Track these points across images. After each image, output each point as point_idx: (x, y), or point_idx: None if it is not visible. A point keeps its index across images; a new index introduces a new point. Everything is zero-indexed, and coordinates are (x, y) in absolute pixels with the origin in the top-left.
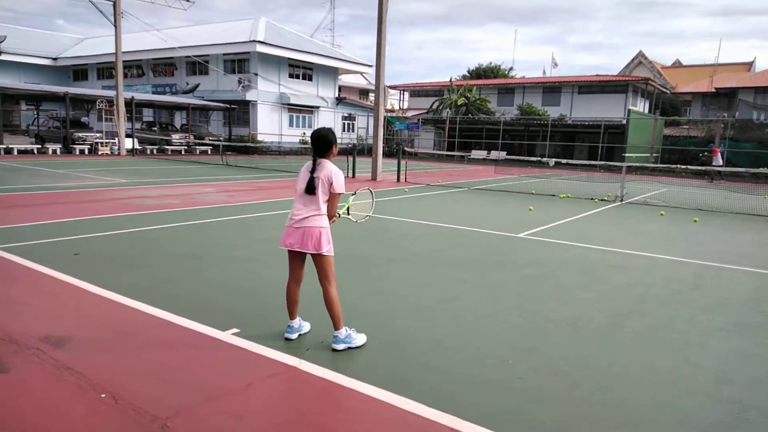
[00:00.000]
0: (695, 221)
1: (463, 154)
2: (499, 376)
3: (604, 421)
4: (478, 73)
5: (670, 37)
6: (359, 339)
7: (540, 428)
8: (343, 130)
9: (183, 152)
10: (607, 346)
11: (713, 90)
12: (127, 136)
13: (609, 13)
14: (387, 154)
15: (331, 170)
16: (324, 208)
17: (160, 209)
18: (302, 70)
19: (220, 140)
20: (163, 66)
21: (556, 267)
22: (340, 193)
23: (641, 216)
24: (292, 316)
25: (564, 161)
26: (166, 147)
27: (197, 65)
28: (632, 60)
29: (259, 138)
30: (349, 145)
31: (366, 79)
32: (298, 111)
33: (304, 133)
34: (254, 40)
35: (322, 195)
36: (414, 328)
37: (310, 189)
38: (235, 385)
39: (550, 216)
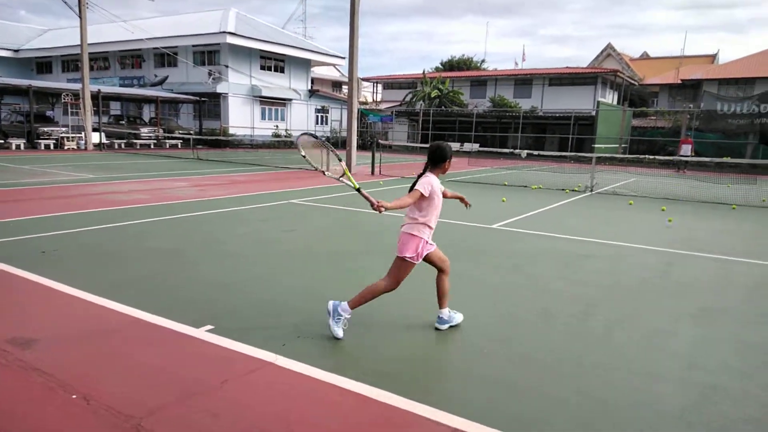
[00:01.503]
0: (663, 210)
1: None
2: (475, 366)
3: (578, 408)
4: (451, 65)
5: (638, 30)
6: (338, 332)
7: (516, 418)
8: (317, 123)
9: (152, 146)
10: (580, 334)
11: (679, 81)
12: (94, 130)
13: (580, 5)
14: (361, 147)
15: (423, 179)
16: (419, 215)
17: (130, 204)
18: (274, 62)
19: (190, 134)
20: (130, 58)
21: (529, 257)
22: (418, 191)
23: (611, 205)
24: (440, 306)
25: (536, 153)
26: (135, 141)
27: (166, 57)
28: (601, 52)
29: (231, 131)
30: (322, 138)
31: (339, 71)
32: (271, 103)
33: (277, 126)
34: (224, 32)
35: (418, 204)
36: (390, 320)
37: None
38: (210, 382)
39: (523, 207)
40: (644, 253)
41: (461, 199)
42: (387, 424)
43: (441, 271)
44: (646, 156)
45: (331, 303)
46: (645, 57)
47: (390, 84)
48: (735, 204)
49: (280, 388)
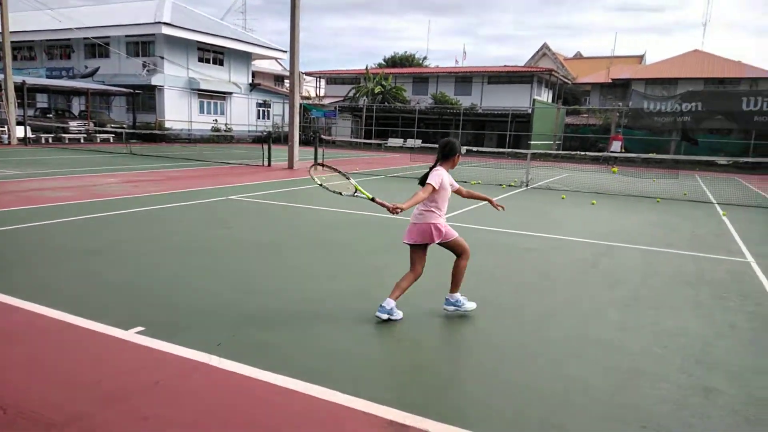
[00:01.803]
0: (593, 204)
1: (380, 142)
2: (414, 359)
3: (512, 396)
4: (393, 62)
5: (572, 30)
6: (399, 314)
7: (450, 406)
8: (258, 117)
9: (82, 141)
10: (517, 324)
11: (610, 81)
12: (19, 123)
13: (518, 5)
14: (304, 142)
15: (434, 172)
16: (432, 206)
17: (58, 202)
18: (213, 54)
19: (123, 127)
20: (58, 48)
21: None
22: (430, 185)
23: (545, 200)
24: (451, 290)
25: (474, 149)
26: (63, 135)
27: (97, 47)
28: (537, 52)
29: (167, 125)
30: (264, 133)
31: (281, 65)
32: (209, 97)
33: (216, 120)
34: (159, 22)
35: (431, 195)
36: (330, 316)
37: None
38: (140, 385)
39: (462, 202)
40: (575, 245)
41: (490, 202)
42: (323, 420)
43: (459, 257)
44: (578, 152)
45: (451, 305)
46: (578, 57)
47: (333, 79)
48: (659, 197)
49: (215, 388)
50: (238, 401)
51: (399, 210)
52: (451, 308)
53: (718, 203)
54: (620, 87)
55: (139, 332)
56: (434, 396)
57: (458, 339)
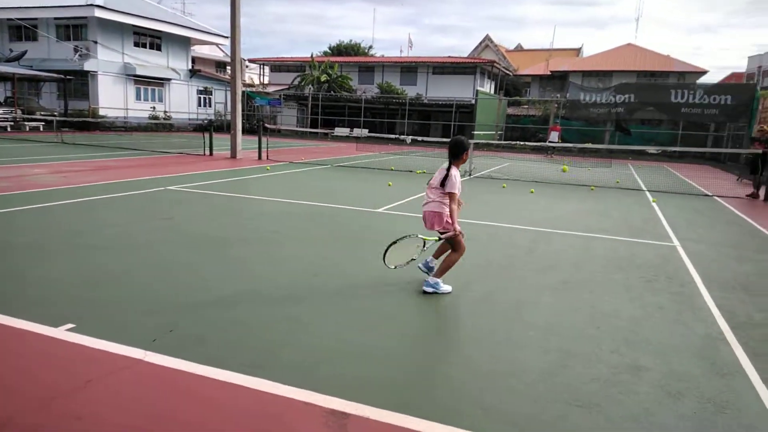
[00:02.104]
0: (532, 192)
1: (326, 131)
2: (357, 346)
3: (450, 379)
4: (339, 50)
5: (514, 22)
6: (446, 288)
7: (398, 392)
8: (199, 105)
9: (9, 129)
10: (454, 309)
11: (549, 73)
12: None
13: None
14: (248, 131)
15: (452, 179)
16: (445, 199)
17: None
18: (150, 39)
19: (54, 115)
20: None
21: None
22: (451, 192)
23: (486, 188)
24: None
25: (420, 139)
26: None
27: (23, 30)
28: (480, 43)
29: (102, 112)
30: (205, 121)
31: (223, 51)
32: (146, 83)
33: (154, 108)
34: (92, 4)
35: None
36: (271, 308)
37: (439, 184)
38: (72, 385)
39: (408, 191)
40: (514, 232)
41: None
42: (262, 412)
43: (452, 247)
44: (519, 142)
45: (431, 286)
46: (519, 49)
47: (278, 67)
48: (594, 186)
49: (150, 385)
50: (174, 397)
51: (458, 229)
52: (430, 289)
53: (648, 191)
54: (559, 79)
55: (69, 329)
56: (374, 384)
57: (397, 327)
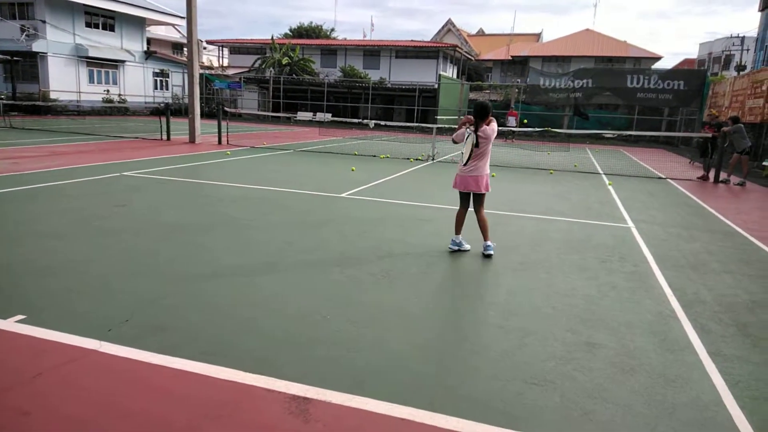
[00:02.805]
0: (493, 176)
1: (288, 115)
2: (318, 332)
3: (408, 358)
4: (300, 33)
5: (475, 7)
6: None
7: (359, 374)
8: (155, 88)
9: None
10: (417, 291)
11: (510, 58)
12: None
13: None
14: (207, 115)
15: (486, 128)
16: (486, 161)
17: None
18: (102, 19)
19: (1, 98)
20: None
21: (375, 223)
22: (489, 137)
23: (449, 173)
24: (457, 232)
25: (383, 123)
26: None
27: None
28: (442, 28)
29: (53, 96)
30: (162, 105)
31: (180, 32)
32: (100, 65)
33: (108, 91)
34: None
35: (485, 150)
36: (233, 294)
37: (476, 144)
38: (20, 378)
39: (371, 176)
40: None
41: None
42: (223, 400)
43: (479, 206)
44: None
45: (488, 250)
46: (481, 33)
47: (237, 49)
48: (552, 169)
49: (104, 376)
50: (129, 388)
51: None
52: (491, 251)
53: (604, 174)
54: (519, 64)
55: (19, 321)
56: (336, 367)
57: (354, 309)
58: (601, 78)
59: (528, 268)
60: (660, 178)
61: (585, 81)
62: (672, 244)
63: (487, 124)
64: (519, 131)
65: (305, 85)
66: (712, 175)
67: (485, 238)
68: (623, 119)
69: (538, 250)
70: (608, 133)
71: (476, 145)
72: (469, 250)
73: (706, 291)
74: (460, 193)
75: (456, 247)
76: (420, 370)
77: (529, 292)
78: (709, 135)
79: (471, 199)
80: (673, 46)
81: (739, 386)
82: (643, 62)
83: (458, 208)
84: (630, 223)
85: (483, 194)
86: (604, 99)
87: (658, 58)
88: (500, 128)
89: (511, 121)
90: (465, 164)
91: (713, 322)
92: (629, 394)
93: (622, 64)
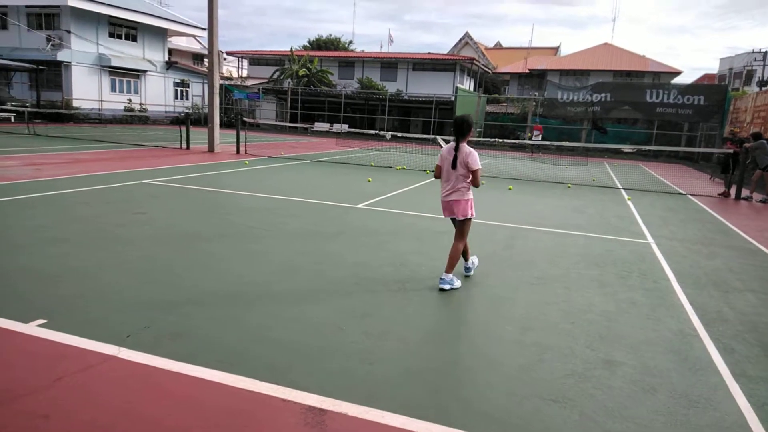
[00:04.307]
0: (510, 189)
1: (305, 126)
2: (334, 343)
3: (427, 371)
4: (318, 45)
5: (493, 20)
6: (457, 282)
7: (375, 387)
8: (176, 98)
9: None
10: (432, 303)
11: (527, 71)
12: None
13: None
14: (226, 125)
15: (466, 152)
16: (468, 183)
17: None
18: (125, 30)
19: (25, 106)
20: None
21: (391, 235)
22: (478, 169)
23: None
24: (464, 258)
25: (400, 135)
26: None
27: None
28: (460, 40)
29: (75, 104)
30: (182, 114)
31: (200, 43)
32: (122, 75)
33: (130, 100)
34: None
35: (462, 172)
36: (249, 302)
37: (454, 166)
38: (40, 382)
39: (387, 187)
40: (492, 228)
41: None
42: (239, 409)
43: (460, 234)
44: (497, 139)
45: (443, 284)
46: (498, 47)
47: (256, 60)
48: (570, 183)
49: (123, 382)
50: (148, 394)
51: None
52: (447, 286)
53: (623, 188)
54: (536, 77)
55: (40, 325)
56: (352, 379)
57: (370, 321)
58: (620, 92)
59: (545, 282)
60: (680, 193)
61: (603, 95)
62: (693, 261)
63: (467, 141)
64: (537, 144)
65: (323, 96)
66: (733, 191)
67: (446, 270)
68: (642, 134)
69: (555, 265)
70: (627, 148)
71: (453, 165)
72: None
73: (729, 309)
74: (452, 219)
75: (470, 273)
76: (436, 384)
77: (547, 307)
78: (731, 151)
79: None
80: (692, 60)
81: (765, 409)
82: (662, 77)
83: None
84: (650, 239)
85: (464, 221)
86: (622, 113)
87: (677, 73)
88: (520, 141)
89: (537, 135)
90: (443, 187)
91: (737, 341)
92: (650, 414)
93: (641, 78)
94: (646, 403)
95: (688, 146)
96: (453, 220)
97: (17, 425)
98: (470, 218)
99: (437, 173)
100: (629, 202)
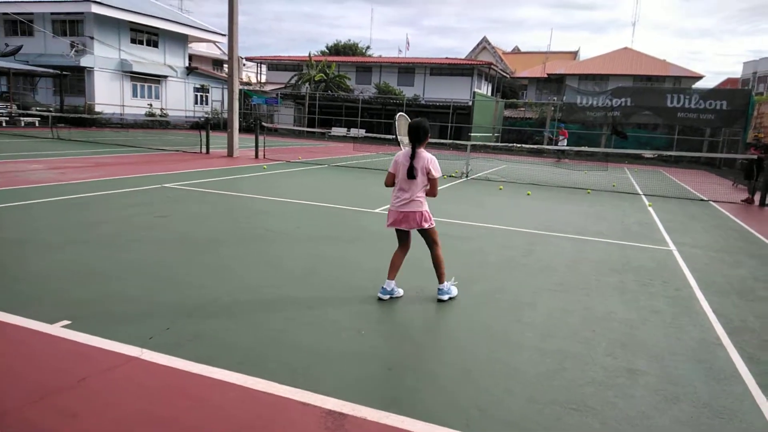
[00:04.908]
0: (528, 194)
1: (323, 131)
2: (353, 347)
3: (444, 377)
4: (336, 50)
5: (511, 25)
6: (454, 290)
7: (395, 392)
8: (196, 103)
9: (4, 124)
10: (452, 310)
11: (545, 75)
12: None
13: None
14: (245, 129)
15: (427, 158)
16: (424, 191)
17: None
18: (147, 36)
19: (50, 111)
20: None
21: None
22: (438, 177)
23: (483, 190)
24: (390, 276)
25: None
26: None
27: (19, 24)
28: (477, 45)
29: (98, 109)
30: (202, 119)
31: (220, 49)
32: (143, 80)
33: (151, 105)
34: (89, 0)
35: (421, 180)
36: (268, 305)
37: (411, 175)
38: (66, 381)
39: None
40: (510, 234)
41: None
42: (259, 412)
43: (432, 244)
44: (516, 144)
45: (442, 294)
46: (516, 51)
47: (275, 65)
48: (590, 189)
49: (146, 383)
50: (170, 395)
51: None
52: (445, 297)
53: (644, 194)
54: (555, 82)
55: (65, 326)
56: (372, 384)
57: (394, 327)
58: (640, 97)
59: (566, 289)
60: (702, 200)
61: (623, 100)
62: (716, 269)
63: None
64: (553, 149)
65: (340, 101)
66: (757, 198)
67: (439, 281)
68: (663, 139)
69: (576, 272)
70: (648, 153)
71: (411, 175)
72: (401, 297)
73: (754, 318)
74: (397, 230)
75: (387, 296)
76: (455, 390)
77: (568, 314)
78: (755, 156)
79: (415, 237)
80: (714, 65)
81: None
82: (683, 81)
83: (397, 248)
84: (671, 246)
85: (429, 230)
86: (643, 118)
87: (699, 78)
88: (538, 146)
89: (563, 140)
90: (397, 196)
91: (762, 351)
92: (673, 424)
93: (662, 83)
94: (668, 413)
95: (710, 152)
96: (401, 231)
97: (46, 423)
98: (433, 227)
99: (388, 181)
100: (650, 209)
